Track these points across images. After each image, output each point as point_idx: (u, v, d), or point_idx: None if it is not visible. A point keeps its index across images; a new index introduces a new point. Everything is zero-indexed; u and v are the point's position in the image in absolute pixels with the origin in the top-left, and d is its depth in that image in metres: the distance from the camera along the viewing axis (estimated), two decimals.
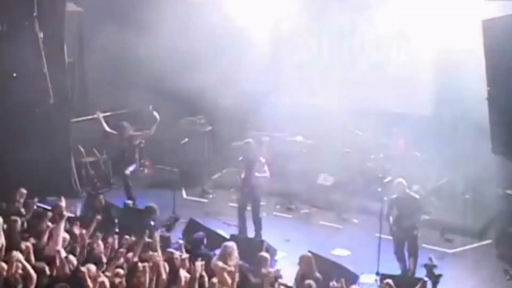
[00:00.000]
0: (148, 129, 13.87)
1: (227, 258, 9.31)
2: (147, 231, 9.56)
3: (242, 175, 12.35)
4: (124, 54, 14.87)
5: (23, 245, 8.69)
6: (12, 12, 12.37)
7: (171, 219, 12.89)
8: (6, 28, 12.49)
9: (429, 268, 9.11)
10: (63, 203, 10.09)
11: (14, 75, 12.51)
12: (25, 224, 10.12)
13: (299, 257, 9.65)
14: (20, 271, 7.85)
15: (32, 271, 7.91)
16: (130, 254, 8.90)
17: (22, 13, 12.30)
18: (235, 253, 9.51)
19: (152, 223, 10.98)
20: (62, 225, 9.21)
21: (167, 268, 8.65)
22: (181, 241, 10.11)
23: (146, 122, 14.25)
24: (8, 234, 9.05)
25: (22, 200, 11.12)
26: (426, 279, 9.57)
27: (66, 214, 9.61)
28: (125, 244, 9.43)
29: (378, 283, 10.12)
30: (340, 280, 8.42)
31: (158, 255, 8.59)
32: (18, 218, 9.71)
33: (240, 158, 12.58)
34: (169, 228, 12.53)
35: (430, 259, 9.45)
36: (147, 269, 8.12)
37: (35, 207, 10.90)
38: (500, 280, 10.97)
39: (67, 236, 9.41)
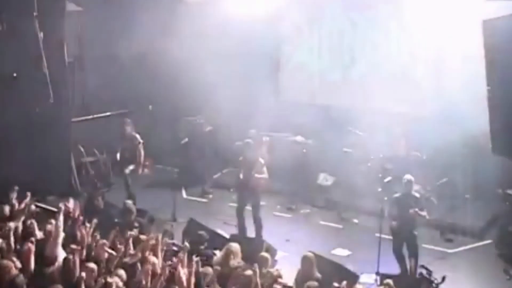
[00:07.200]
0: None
1: (230, 259, 9.31)
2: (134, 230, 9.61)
3: (241, 176, 12.33)
4: (124, 54, 14.88)
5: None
6: (12, 12, 12.36)
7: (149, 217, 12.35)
8: (6, 28, 12.48)
9: (427, 278, 9.12)
10: (71, 204, 10.13)
11: (14, 75, 12.50)
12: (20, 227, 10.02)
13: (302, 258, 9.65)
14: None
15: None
16: (130, 254, 8.88)
17: (22, 13, 12.29)
18: (239, 254, 9.51)
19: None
20: (61, 221, 9.13)
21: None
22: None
23: (146, 122, 14.23)
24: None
25: (14, 201, 10.95)
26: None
27: (62, 207, 9.53)
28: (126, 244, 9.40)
29: (378, 283, 10.13)
30: (342, 283, 8.41)
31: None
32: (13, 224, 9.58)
33: (240, 158, 12.57)
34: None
35: (424, 267, 9.45)
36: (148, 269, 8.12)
37: (33, 207, 10.82)
38: (500, 280, 10.97)
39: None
